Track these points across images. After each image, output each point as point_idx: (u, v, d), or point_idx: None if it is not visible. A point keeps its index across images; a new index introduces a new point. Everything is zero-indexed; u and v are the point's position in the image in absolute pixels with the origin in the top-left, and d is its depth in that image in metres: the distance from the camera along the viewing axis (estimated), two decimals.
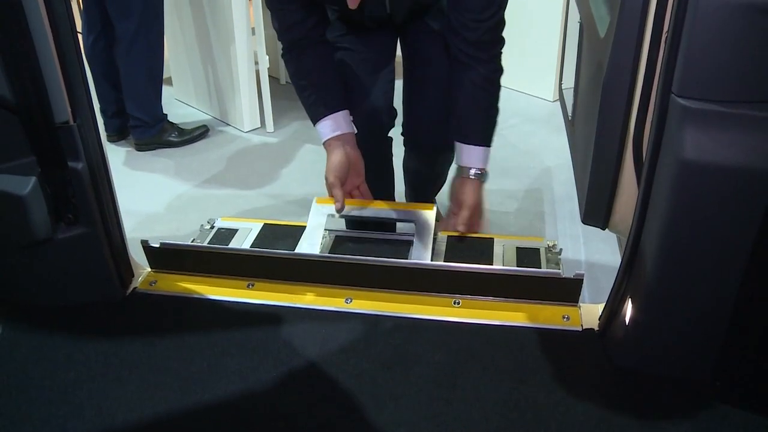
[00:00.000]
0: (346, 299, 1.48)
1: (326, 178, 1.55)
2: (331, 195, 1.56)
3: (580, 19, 1.82)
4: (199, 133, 3.05)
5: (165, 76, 2.98)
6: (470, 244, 1.66)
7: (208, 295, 1.51)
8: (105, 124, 2.97)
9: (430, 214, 1.60)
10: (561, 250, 1.64)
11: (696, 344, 1.23)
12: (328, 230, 1.67)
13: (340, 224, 1.82)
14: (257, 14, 2.93)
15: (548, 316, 1.43)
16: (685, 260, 1.13)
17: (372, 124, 1.66)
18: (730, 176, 1.04)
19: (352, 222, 1.81)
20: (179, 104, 3.50)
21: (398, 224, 1.84)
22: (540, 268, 1.57)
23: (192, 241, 1.67)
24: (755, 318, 1.17)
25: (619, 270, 1.31)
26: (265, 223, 1.75)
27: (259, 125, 3.18)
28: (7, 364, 1.34)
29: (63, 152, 1.32)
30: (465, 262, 1.54)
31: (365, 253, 1.58)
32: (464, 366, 1.30)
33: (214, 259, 1.55)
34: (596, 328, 1.38)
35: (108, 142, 2.99)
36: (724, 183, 1.05)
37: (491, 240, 1.67)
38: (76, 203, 1.37)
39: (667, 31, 1.08)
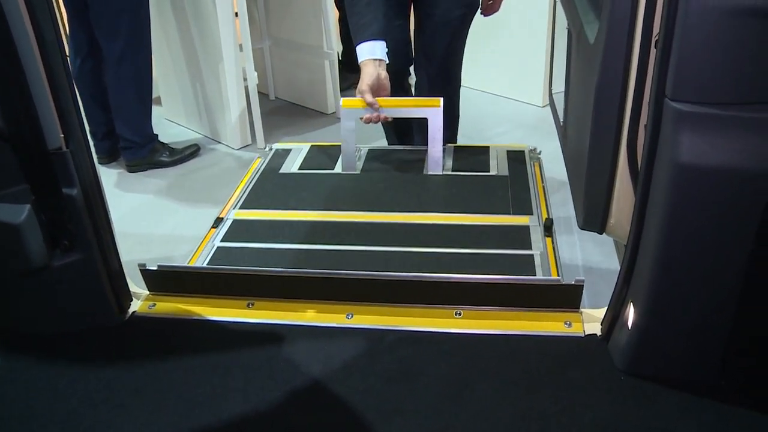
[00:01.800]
0: (347, 315, 1.47)
1: (359, 88, 1.95)
2: (364, 100, 1.94)
3: (568, 25, 1.83)
4: (190, 152, 3.04)
5: (154, 95, 2.97)
6: (471, 152, 2.21)
7: (208, 316, 1.50)
8: (95, 146, 2.96)
9: (437, 110, 2.01)
10: (540, 152, 2.21)
11: (700, 346, 1.23)
12: (362, 146, 2.22)
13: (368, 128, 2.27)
14: (244, 31, 2.93)
15: (550, 323, 1.43)
16: (684, 263, 1.14)
17: (396, 50, 2.06)
18: (727, 178, 1.04)
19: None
20: (169, 124, 3.49)
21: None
22: (525, 167, 2.08)
23: (257, 159, 2.19)
24: (757, 318, 1.17)
25: (619, 274, 1.31)
26: (312, 145, 2.28)
27: (250, 142, 3.17)
28: (8, 394, 1.32)
29: (57, 179, 1.32)
30: (468, 168, 2.08)
31: (394, 164, 2.13)
32: (469, 378, 1.30)
33: (213, 279, 1.54)
34: (599, 334, 1.39)
35: (99, 165, 2.97)
36: (720, 185, 1.05)
37: (487, 148, 2.24)
38: (71, 229, 1.37)
39: (657, 35, 1.08)
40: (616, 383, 1.27)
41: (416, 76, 2.31)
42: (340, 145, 2.11)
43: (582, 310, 1.47)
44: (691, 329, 1.21)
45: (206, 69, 3.06)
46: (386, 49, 1.94)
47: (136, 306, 1.55)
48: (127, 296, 1.54)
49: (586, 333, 1.40)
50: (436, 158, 2.05)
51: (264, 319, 1.48)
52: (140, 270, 1.55)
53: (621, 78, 1.28)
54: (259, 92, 3.13)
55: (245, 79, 3.05)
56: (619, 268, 1.90)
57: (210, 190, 2.76)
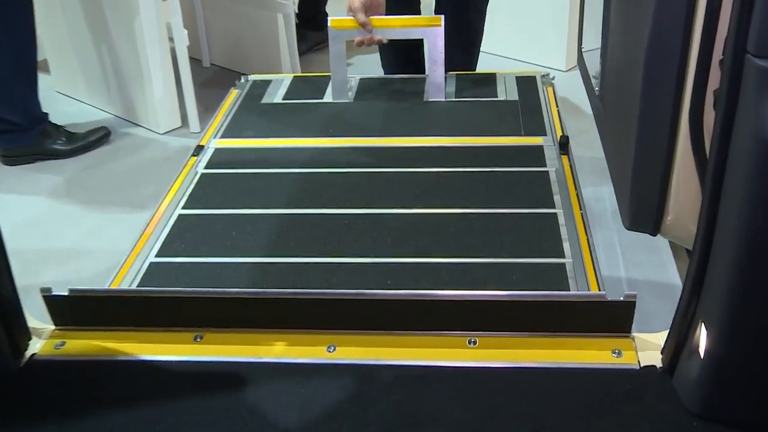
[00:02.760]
0: (329, 347, 1.48)
1: (350, 5, 2.26)
2: (356, 19, 2.27)
3: None
4: (96, 138, 3.02)
5: (39, 59, 2.92)
6: (476, 79, 2.59)
7: (141, 355, 1.49)
8: None
9: (438, 30, 2.35)
10: (554, 77, 2.55)
11: None
12: (352, 76, 2.58)
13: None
14: None
15: (593, 351, 1.45)
16: None
17: None
18: None
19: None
20: (64, 99, 3.46)
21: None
22: (537, 91, 2.45)
23: (233, 91, 2.56)
24: None
25: (684, 288, 1.32)
26: (294, 76, 2.70)
27: (180, 124, 3.17)
28: None
29: None
30: (473, 94, 2.46)
31: (390, 95, 2.49)
32: (492, 423, 1.31)
33: (146, 305, 1.53)
34: (659, 365, 1.41)
35: None
36: None
37: (494, 74, 2.61)
38: None
39: None
40: (686, 430, 1.29)
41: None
42: (327, 75, 2.50)
43: (634, 334, 1.49)
44: None
45: (116, 25, 3.04)
46: None
47: (36, 346, 1.53)
48: (24, 333, 1.52)
49: (642, 364, 1.41)
50: (438, 83, 2.41)
51: (217, 356, 1.48)
52: (43, 296, 1.53)
53: (683, 28, 1.29)
54: (190, 57, 3.12)
55: (171, 40, 3.03)
56: (679, 279, 1.94)
57: (126, 189, 2.74)
